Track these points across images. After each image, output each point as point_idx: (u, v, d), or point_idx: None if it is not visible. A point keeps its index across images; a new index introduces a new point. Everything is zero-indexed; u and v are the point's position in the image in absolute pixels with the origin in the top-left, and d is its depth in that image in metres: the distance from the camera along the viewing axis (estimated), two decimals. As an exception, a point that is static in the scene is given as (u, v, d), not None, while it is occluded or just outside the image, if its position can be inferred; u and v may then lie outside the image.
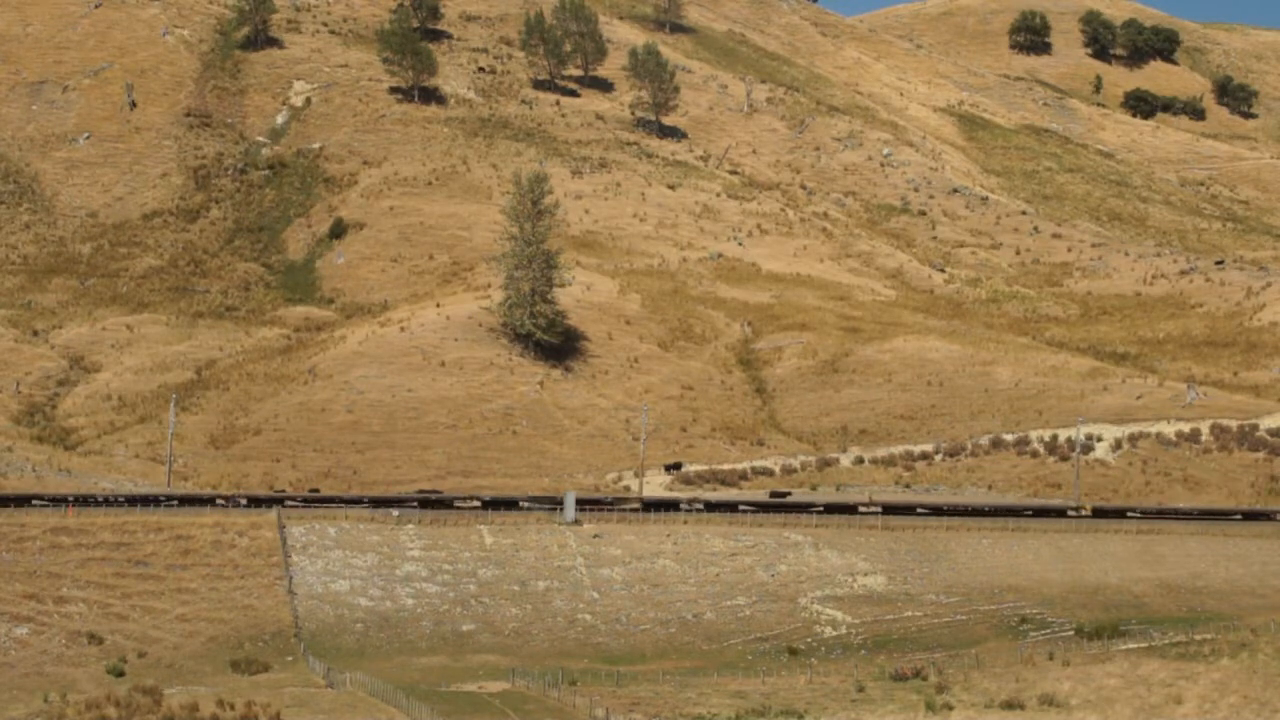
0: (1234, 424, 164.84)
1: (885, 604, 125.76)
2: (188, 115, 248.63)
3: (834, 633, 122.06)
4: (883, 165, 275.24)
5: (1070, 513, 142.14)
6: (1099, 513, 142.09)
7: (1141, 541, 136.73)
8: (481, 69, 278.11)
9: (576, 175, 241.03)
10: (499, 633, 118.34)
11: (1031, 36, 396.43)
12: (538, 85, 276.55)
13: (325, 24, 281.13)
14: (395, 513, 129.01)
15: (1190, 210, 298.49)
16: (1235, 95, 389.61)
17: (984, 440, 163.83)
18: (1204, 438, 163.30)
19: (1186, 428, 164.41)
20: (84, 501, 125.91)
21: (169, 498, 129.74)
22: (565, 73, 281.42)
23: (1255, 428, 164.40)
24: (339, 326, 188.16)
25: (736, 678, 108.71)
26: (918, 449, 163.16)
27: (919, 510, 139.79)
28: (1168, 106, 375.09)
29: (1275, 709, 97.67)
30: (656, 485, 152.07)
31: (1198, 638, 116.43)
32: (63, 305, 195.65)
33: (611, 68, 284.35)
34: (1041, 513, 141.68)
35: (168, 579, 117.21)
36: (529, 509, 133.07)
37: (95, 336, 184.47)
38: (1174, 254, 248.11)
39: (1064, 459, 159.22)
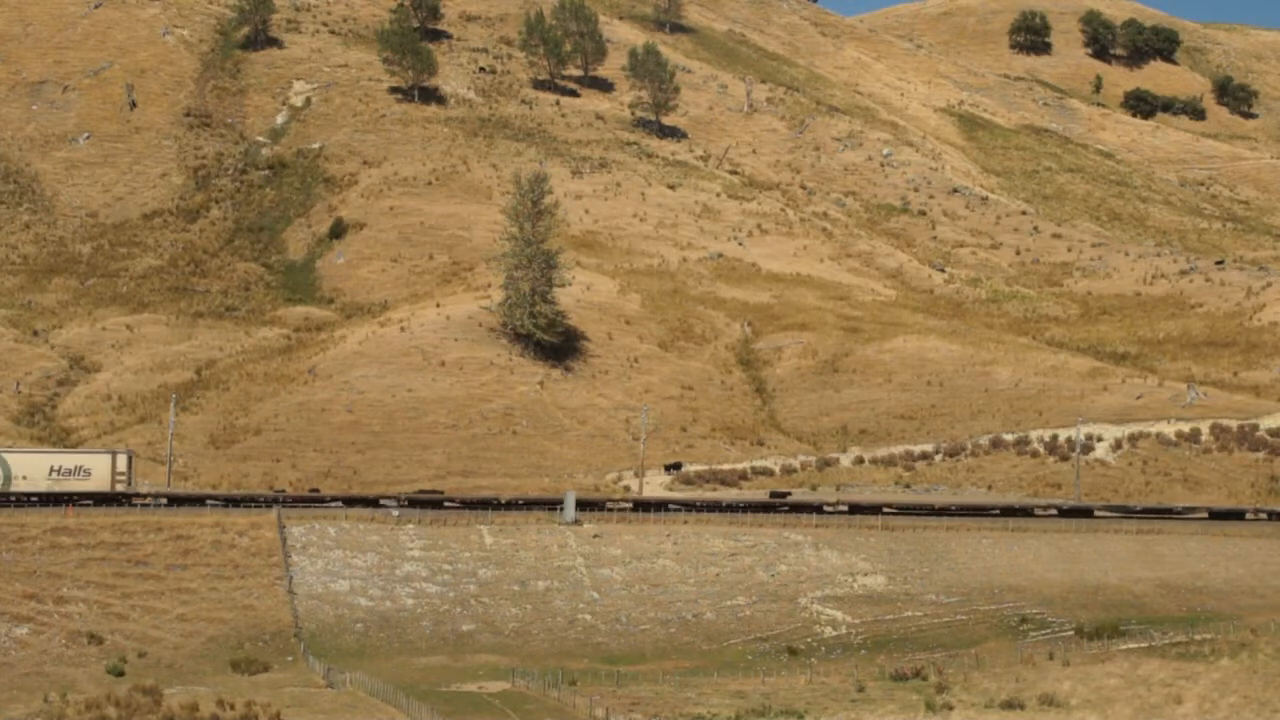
0: (1234, 424, 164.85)
1: (885, 604, 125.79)
2: (188, 115, 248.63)
3: (834, 633, 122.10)
4: (883, 165, 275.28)
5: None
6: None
7: (1141, 541, 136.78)
8: (481, 69, 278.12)
9: (576, 175, 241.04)
10: (499, 633, 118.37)
11: (1031, 36, 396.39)
12: (538, 85, 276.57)
13: (325, 24, 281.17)
14: (395, 513, 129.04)
15: (1190, 210, 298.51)
16: (1235, 95, 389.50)
17: (984, 440, 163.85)
18: (1204, 438, 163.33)
19: (1186, 428, 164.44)
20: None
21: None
22: (565, 73, 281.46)
23: (1255, 428, 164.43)
24: (339, 326, 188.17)
25: (736, 678, 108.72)
26: (918, 449, 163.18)
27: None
28: (1168, 106, 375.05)
29: (1275, 709, 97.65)
30: (657, 485, 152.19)
31: (1198, 638, 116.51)
32: (63, 305, 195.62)
33: (611, 68, 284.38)
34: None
35: (168, 579, 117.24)
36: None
37: (95, 336, 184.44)
38: (1174, 254, 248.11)
39: (1064, 459, 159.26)
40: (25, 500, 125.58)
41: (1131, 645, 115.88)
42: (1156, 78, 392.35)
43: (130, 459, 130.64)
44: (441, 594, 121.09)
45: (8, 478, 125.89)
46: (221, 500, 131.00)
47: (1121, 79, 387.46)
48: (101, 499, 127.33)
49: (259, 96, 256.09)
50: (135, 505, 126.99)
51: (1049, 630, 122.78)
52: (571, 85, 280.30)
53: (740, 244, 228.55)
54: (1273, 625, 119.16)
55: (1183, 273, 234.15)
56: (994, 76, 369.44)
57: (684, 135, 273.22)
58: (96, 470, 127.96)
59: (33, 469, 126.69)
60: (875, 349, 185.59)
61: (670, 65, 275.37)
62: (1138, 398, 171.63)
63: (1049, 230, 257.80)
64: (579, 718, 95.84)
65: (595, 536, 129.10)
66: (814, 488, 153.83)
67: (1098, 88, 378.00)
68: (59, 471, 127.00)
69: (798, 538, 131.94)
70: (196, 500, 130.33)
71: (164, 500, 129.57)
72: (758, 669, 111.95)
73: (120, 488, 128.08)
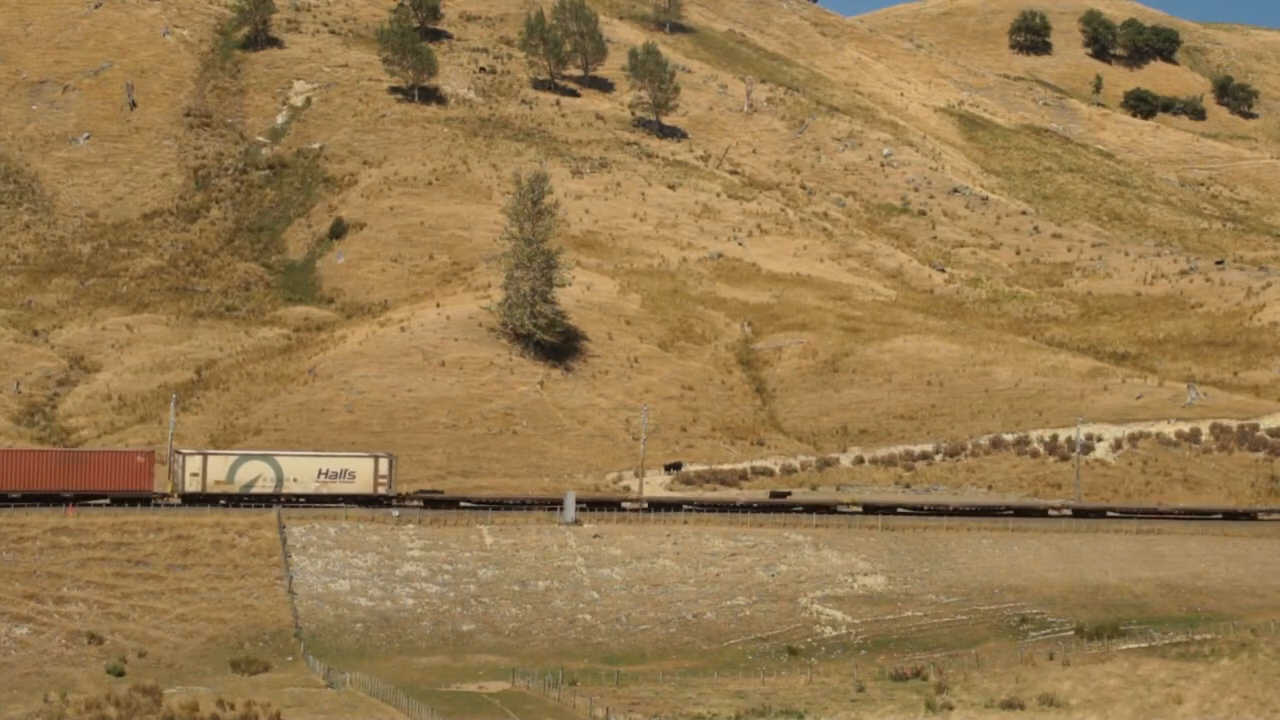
0: (1234, 424, 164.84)
1: (885, 604, 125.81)
2: (188, 115, 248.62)
3: (834, 633, 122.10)
4: (883, 165, 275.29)
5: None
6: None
7: (1141, 541, 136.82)
8: (482, 69, 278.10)
9: (576, 175, 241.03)
10: (499, 633, 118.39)
11: (1031, 36, 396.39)
12: (538, 85, 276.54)
13: (325, 24, 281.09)
14: (395, 513, 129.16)
15: (1190, 210, 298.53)
16: (1235, 95, 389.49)
17: (984, 440, 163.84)
18: (1204, 438, 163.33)
19: (1186, 428, 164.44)
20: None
21: None
22: (565, 73, 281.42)
23: (1255, 428, 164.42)
24: (339, 326, 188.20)
25: (736, 678, 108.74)
26: (918, 449, 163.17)
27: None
28: (1168, 106, 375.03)
29: (1275, 709, 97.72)
30: (656, 485, 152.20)
31: (1198, 638, 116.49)
32: (63, 305, 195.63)
33: (611, 68, 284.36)
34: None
35: (168, 579, 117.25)
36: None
37: (95, 336, 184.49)
38: (1174, 254, 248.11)
39: (1064, 459, 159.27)
40: (293, 501, 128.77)
41: (1131, 645, 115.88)
42: (1156, 78, 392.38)
43: (392, 463, 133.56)
44: (441, 594, 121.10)
45: (280, 480, 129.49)
46: (474, 504, 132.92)
47: (1121, 79, 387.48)
48: (364, 501, 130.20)
49: (259, 96, 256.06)
50: (394, 508, 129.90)
51: (1049, 630, 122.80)
52: (571, 85, 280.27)
53: (740, 244, 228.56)
54: (1273, 625, 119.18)
55: (1183, 273, 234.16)
56: (994, 76, 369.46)
57: (684, 135, 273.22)
58: (361, 473, 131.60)
59: (303, 472, 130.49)
60: (875, 349, 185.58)
61: (670, 65, 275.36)
62: (1138, 398, 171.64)
63: (1049, 230, 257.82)
64: (579, 718, 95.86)
65: (595, 536, 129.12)
66: (814, 488, 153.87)
67: (1098, 88, 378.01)
68: (326, 474, 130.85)
69: (798, 538, 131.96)
70: (450, 504, 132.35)
71: (418, 503, 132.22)
72: (758, 669, 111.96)
73: (381, 490, 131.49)
